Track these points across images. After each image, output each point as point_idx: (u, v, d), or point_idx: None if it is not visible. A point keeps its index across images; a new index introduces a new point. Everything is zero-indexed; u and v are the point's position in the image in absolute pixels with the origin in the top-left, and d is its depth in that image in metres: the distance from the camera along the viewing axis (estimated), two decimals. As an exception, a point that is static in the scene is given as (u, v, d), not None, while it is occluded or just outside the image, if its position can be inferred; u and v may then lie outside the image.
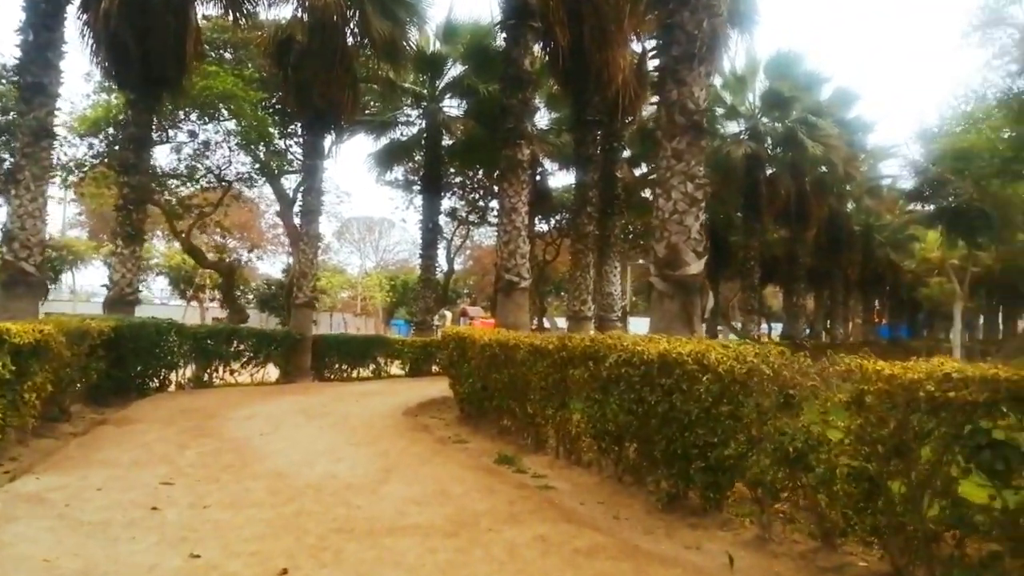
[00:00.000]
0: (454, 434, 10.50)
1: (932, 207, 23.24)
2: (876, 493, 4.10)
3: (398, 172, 33.79)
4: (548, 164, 31.16)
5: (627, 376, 6.45)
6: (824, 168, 30.32)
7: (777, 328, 57.88)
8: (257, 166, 27.19)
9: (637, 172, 32.23)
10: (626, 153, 26.40)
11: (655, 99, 9.20)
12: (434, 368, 21.09)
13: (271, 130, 24.30)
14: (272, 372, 18.24)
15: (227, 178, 27.51)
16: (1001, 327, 62.67)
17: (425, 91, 25.79)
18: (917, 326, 60.32)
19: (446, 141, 26.96)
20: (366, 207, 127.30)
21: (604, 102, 18.90)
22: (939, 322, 61.67)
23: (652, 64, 20.37)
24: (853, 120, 31.58)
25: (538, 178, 30.65)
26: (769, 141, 29.83)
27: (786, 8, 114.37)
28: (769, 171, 30.10)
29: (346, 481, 7.15)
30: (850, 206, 37.65)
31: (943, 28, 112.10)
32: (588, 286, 18.41)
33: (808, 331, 37.00)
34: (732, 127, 30.38)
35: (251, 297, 51.90)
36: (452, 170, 32.15)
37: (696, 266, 8.28)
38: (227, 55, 24.58)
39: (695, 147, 8.35)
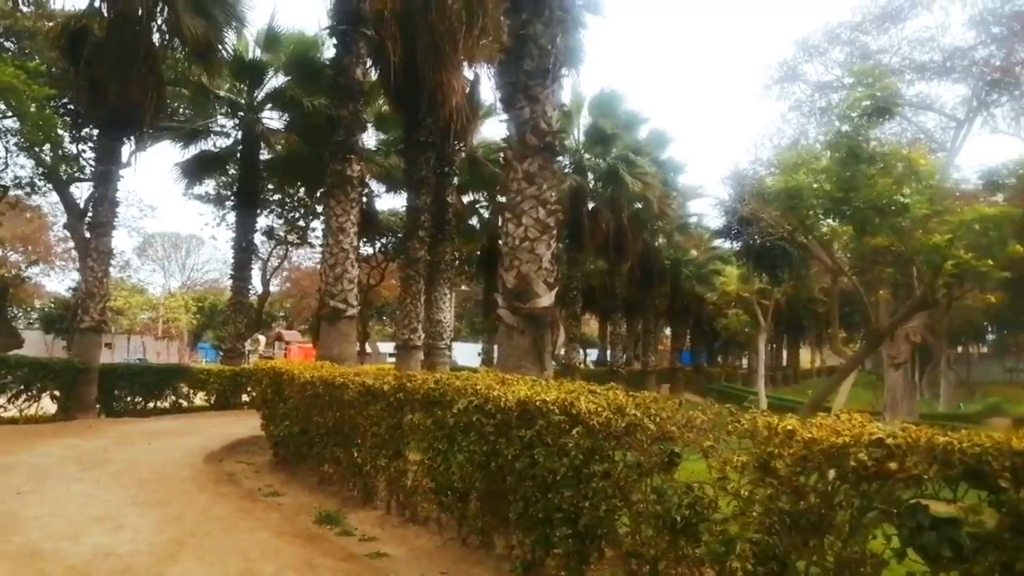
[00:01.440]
0: (266, 484, 9.12)
1: (739, 244, 24.64)
2: (784, 574, 3.54)
3: (209, 185, 31.20)
4: (375, 185, 29.99)
5: (479, 425, 5.61)
6: (640, 204, 31.70)
7: (592, 354, 60.05)
8: (42, 171, 23.74)
9: (465, 199, 31.92)
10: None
11: (502, 117, 8.49)
12: (244, 398, 19.11)
13: (60, 131, 21.21)
14: (50, 406, 15.52)
15: (1, 182, 23.80)
16: (785, 354, 69.10)
17: (243, 100, 23.78)
18: (713, 354, 64.85)
19: (265, 155, 25.03)
20: (173, 222, 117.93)
21: (437, 124, 18.22)
22: (733, 350, 66.81)
23: (486, 91, 20.10)
24: (667, 160, 33.26)
25: (364, 199, 29.43)
26: (591, 176, 30.67)
27: (605, 51, 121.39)
28: (591, 205, 30.96)
29: (125, 561, 5.68)
30: (661, 241, 39.70)
31: (747, 81, 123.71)
32: (418, 313, 17.50)
33: (623, 358, 38.33)
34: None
35: (35, 318, 45.88)
36: (270, 186, 30.09)
37: (547, 298, 7.67)
38: (9, 44, 21.28)
39: (547, 170, 7.80)
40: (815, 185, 10.17)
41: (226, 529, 6.85)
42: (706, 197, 47.65)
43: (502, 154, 8.75)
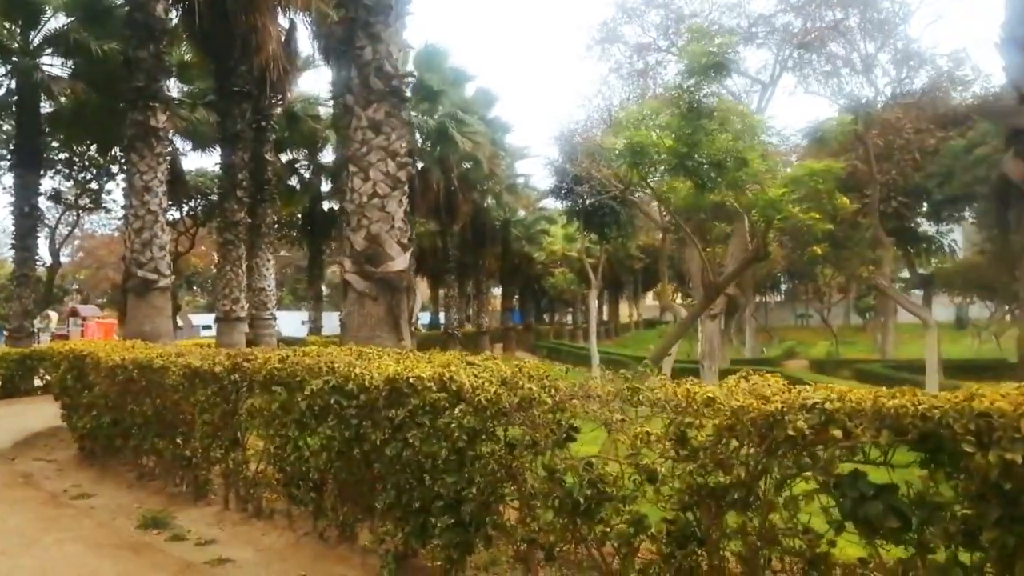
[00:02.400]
0: (73, 485, 7.82)
1: (569, 203, 24.95)
2: (702, 554, 3.22)
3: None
4: (179, 143, 27.27)
5: (337, 408, 4.89)
6: (470, 164, 31.33)
7: (423, 318, 59.60)
8: None
9: (284, 158, 29.94)
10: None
11: (323, 69, 7.59)
12: (37, 383, 16.71)
13: None
14: None
15: None
16: (607, 309, 72.38)
17: (16, 43, 20.51)
18: (540, 312, 66.63)
19: (47, 107, 21.87)
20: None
21: (251, 74, 16.62)
22: (560, 308, 69.00)
23: (304, 42, 18.60)
24: (494, 120, 33.10)
25: (168, 158, 26.69)
26: (418, 135, 29.81)
27: (426, 4, 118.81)
28: (420, 164, 30.17)
29: None
30: (491, 201, 39.70)
31: (570, 41, 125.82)
32: (240, 282, 16.02)
33: (456, 321, 38.20)
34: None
35: None
36: (55, 143, 26.50)
37: (402, 260, 6.99)
38: None
39: (395, 118, 7.05)
40: (658, 140, 10.15)
41: (28, 544, 5.70)
42: (533, 157, 48.32)
43: (342, 100, 7.85)
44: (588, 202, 22.99)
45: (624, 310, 79.25)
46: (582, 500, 3.62)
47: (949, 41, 75.37)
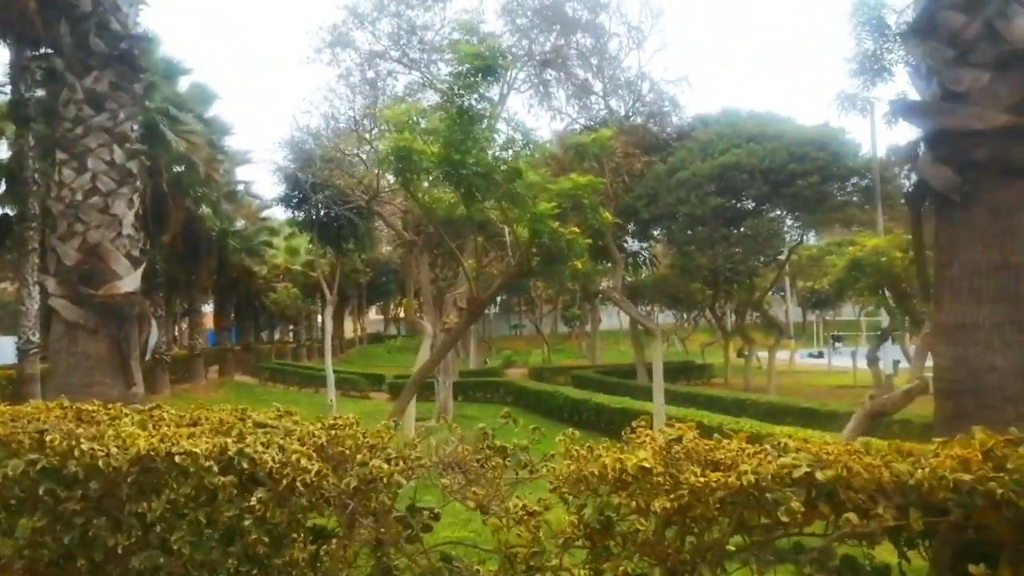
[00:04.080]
0: None
1: (302, 214, 23.19)
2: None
3: None
4: None
5: (51, 501, 3.32)
6: (183, 167, 28.02)
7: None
8: None
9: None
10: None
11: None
12: None
13: None
14: None
15: None
16: (331, 325, 69.73)
17: None
18: (259, 330, 62.29)
19: None
20: None
21: None
22: (282, 325, 65.18)
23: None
24: (213, 119, 30.05)
25: None
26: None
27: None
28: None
29: None
30: (206, 210, 35.99)
31: (298, 43, 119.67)
32: None
33: (162, 343, 33.89)
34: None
35: None
36: None
37: (132, 279, 5.31)
38: None
39: (126, 92, 5.37)
40: (425, 146, 9.37)
41: None
42: (257, 162, 44.90)
43: (45, 66, 5.89)
44: (324, 212, 21.49)
45: (348, 325, 77.45)
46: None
47: (678, 66, 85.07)
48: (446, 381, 25.56)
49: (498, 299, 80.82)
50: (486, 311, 78.99)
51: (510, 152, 9.72)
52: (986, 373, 4.87)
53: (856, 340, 42.29)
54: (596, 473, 2.49)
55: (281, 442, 2.98)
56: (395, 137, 9.27)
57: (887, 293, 17.91)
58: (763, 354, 33.96)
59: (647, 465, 2.41)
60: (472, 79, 9.22)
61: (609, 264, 29.20)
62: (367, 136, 18.36)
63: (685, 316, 53.18)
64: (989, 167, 4.99)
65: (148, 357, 5.95)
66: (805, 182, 25.43)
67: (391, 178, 19.87)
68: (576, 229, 10.76)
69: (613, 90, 27.63)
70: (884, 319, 30.09)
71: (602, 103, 23.60)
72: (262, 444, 2.96)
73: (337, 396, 21.62)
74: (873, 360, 22.28)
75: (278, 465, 2.86)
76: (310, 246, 30.25)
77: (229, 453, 2.97)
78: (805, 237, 30.59)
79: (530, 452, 2.89)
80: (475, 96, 9.29)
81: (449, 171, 9.18)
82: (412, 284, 17.98)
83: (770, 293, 37.34)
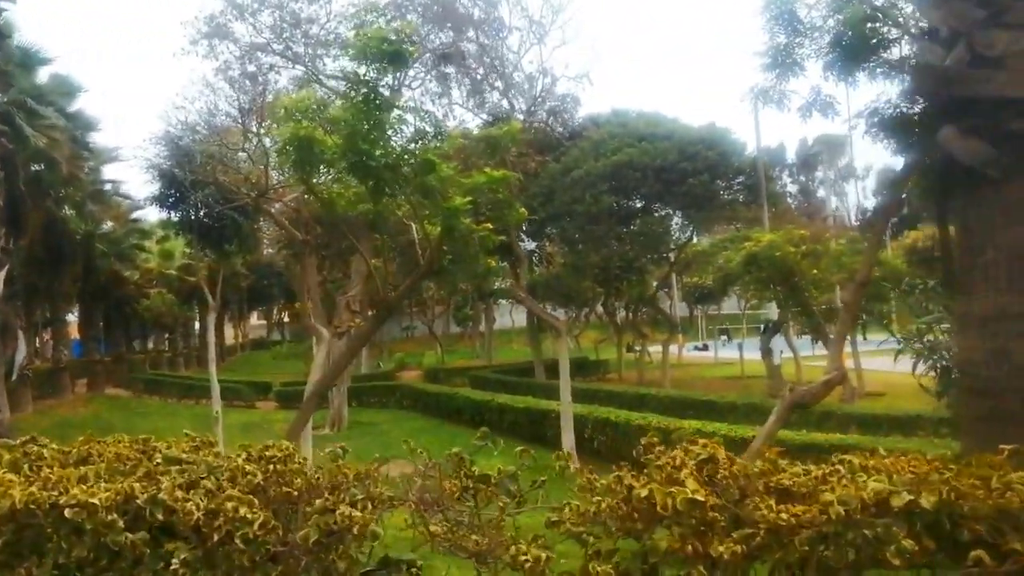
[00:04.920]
0: None
1: (179, 214, 21.54)
2: None
3: None
4: None
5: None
6: (43, 165, 25.58)
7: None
8: None
9: None
10: None
11: None
12: None
13: None
14: None
15: None
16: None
17: None
18: (131, 339, 58.26)
19: None
20: None
21: None
22: (156, 334, 61.31)
23: None
24: (77, 114, 27.63)
25: None
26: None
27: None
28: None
29: None
30: (69, 211, 33.09)
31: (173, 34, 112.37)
32: None
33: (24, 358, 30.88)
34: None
35: None
36: None
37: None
38: None
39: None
40: (324, 137, 8.67)
41: None
42: (127, 160, 41.87)
43: None
44: (204, 212, 20.02)
45: (229, 332, 74.00)
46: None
47: (579, 64, 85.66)
48: (340, 387, 24.54)
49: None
50: (372, 313, 77.43)
51: (418, 144, 9.15)
52: None
53: (742, 333, 44.04)
54: (631, 509, 2.01)
55: (209, 484, 2.33)
56: (295, 126, 8.50)
57: (779, 287, 18.48)
58: (652, 348, 34.75)
59: (699, 498, 1.95)
60: (380, 65, 8.59)
61: (505, 263, 29.09)
62: (253, 129, 17.20)
63: (576, 314, 53.91)
64: None
65: (15, 376, 5.00)
66: (695, 180, 26.09)
67: (280, 174, 18.80)
68: (489, 226, 10.33)
69: (511, 87, 27.39)
70: (768, 312, 31.43)
71: (501, 100, 23.26)
72: (181, 488, 2.30)
73: (222, 407, 20.23)
74: (766, 352, 23.05)
75: (206, 515, 2.20)
76: (187, 249, 28.33)
77: (138, 501, 2.26)
78: (693, 235, 31.45)
79: (519, 480, 2.39)
80: (382, 83, 8.67)
81: (356, 163, 8.51)
82: (305, 287, 16.99)
83: (656, 289, 38.28)
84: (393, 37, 8.68)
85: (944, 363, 5.91)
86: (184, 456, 2.70)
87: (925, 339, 6.02)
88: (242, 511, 2.22)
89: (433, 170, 8.52)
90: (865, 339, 23.74)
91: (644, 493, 2.03)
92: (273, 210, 17.27)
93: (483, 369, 37.56)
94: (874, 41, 8.65)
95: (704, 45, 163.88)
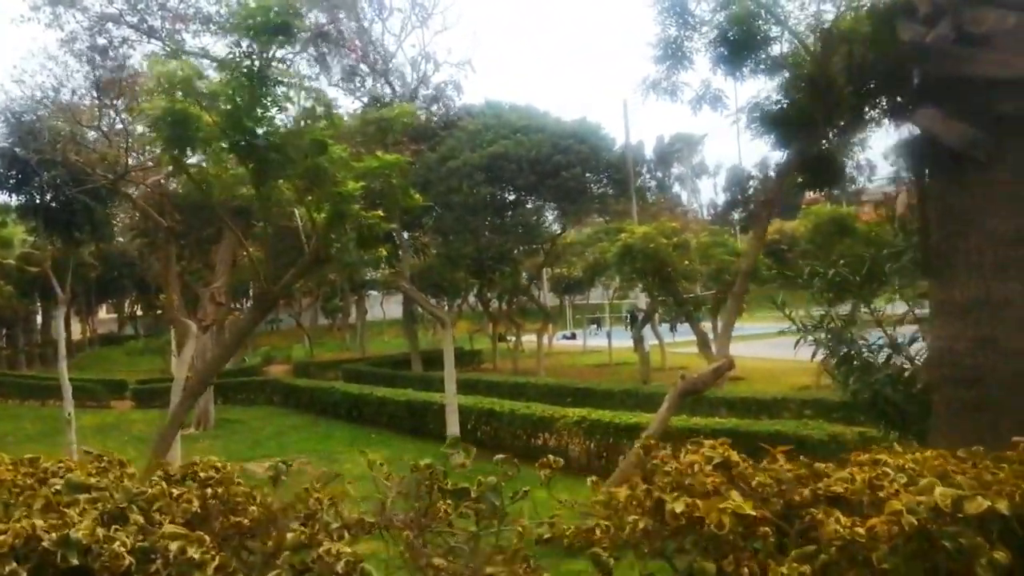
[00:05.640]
0: None
1: (23, 198, 19.61)
2: None
3: None
4: None
5: None
6: None
7: None
8: None
9: None
10: None
11: None
12: None
13: None
14: None
15: None
16: (54, 326, 60.90)
17: None
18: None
19: None
20: None
21: None
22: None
23: None
24: None
25: None
26: None
27: None
28: None
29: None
30: None
31: None
32: None
33: None
34: None
35: None
36: None
37: None
38: None
39: None
40: (200, 112, 8.11)
41: None
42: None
43: None
44: (52, 196, 18.35)
45: (76, 326, 68.36)
46: None
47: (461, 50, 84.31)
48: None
49: (250, 291, 75.80)
50: (236, 305, 74.16)
51: (307, 124, 8.73)
52: (1021, 356, 4.26)
53: (611, 322, 45.45)
54: (661, 526, 1.85)
55: (137, 518, 1.97)
56: (169, 99, 7.87)
57: (652, 277, 19.19)
58: (525, 338, 35.23)
59: (749, 511, 1.78)
60: (266, 37, 8.10)
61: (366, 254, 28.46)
62: (108, 105, 15.87)
63: (448, 304, 53.71)
64: (1016, 121, 4.34)
65: None
66: (568, 173, 26.66)
67: (139, 155, 17.43)
68: (380, 213, 10.05)
69: (391, 70, 26.82)
70: (636, 301, 32.59)
71: (380, 84, 22.72)
72: (102, 523, 1.93)
73: (74, 408, 18.58)
74: (639, 340, 23.90)
75: (139, 558, 1.85)
76: (28, 236, 25.88)
77: (44, 544, 1.90)
78: (564, 226, 32.11)
79: (501, 492, 2.25)
80: (267, 56, 8.19)
81: (238, 142, 8.00)
82: (168, 278, 15.90)
83: (526, 280, 38.76)
84: (277, 8, 8.22)
85: (849, 351, 6.22)
86: (90, 481, 2.27)
87: (827, 327, 6.33)
88: (190, 551, 1.85)
89: (325, 151, 8.15)
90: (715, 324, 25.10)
91: (680, 508, 1.87)
92: (134, 193, 16.01)
93: (356, 362, 36.74)
94: (758, 37, 9.05)
95: (580, 41, 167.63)
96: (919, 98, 4.77)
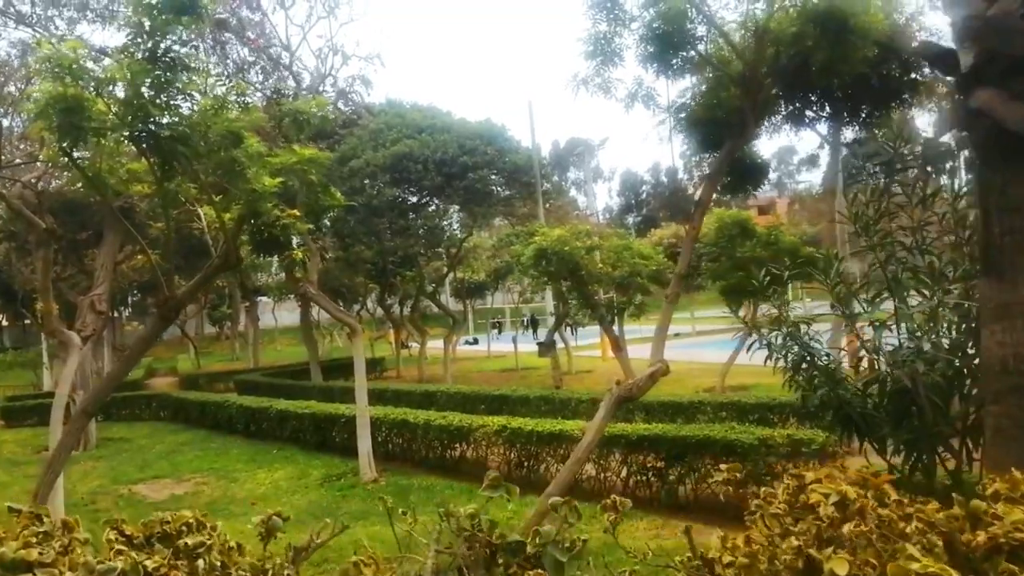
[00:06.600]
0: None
1: None
2: None
3: None
4: None
5: None
6: None
7: None
8: None
9: None
10: None
11: None
12: None
13: None
14: None
15: None
16: None
17: None
18: None
19: None
20: None
21: None
22: None
23: None
24: None
25: None
26: None
27: None
28: None
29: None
30: None
31: None
32: None
33: None
34: None
35: None
36: None
37: None
38: None
39: None
40: (94, 98, 7.14)
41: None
42: None
43: None
44: None
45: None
46: None
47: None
48: (78, 399, 21.26)
49: (129, 299, 71.07)
50: (115, 314, 69.50)
51: (218, 113, 7.85)
52: None
53: (514, 326, 45.27)
54: None
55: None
56: (60, 84, 6.85)
57: (565, 280, 18.99)
58: (429, 344, 34.46)
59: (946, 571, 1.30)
60: (169, 17, 7.18)
61: (270, 257, 27.16)
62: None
63: (347, 310, 52.13)
64: None
65: None
66: (476, 175, 26.18)
67: (12, 148, 15.68)
68: (296, 212, 9.27)
69: (295, 62, 25.53)
70: (543, 305, 32.52)
71: (282, 76, 21.53)
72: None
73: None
74: (550, 344, 23.68)
75: None
76: None
77: None
78: (469, 229, 31.60)
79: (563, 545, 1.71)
80: (173, 39, 7.28)
81: (141, 132, 7.06)
82: (46, 285, 14.33)
83: (436, 285, 38.10)
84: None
85: (804, 357, 5.99)
86: (35, 556, 1.58)
87: (783, 330, 6.08)
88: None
89: (240, 144, 7.32)
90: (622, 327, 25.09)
91: (842, 572, 1.40)
92: (7, 192, 14.34)
93: (250, 372, 34.80)
94: (687, 35, 8.89)
95: (481, 41, 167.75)
96: (976, 79, 4.21)
